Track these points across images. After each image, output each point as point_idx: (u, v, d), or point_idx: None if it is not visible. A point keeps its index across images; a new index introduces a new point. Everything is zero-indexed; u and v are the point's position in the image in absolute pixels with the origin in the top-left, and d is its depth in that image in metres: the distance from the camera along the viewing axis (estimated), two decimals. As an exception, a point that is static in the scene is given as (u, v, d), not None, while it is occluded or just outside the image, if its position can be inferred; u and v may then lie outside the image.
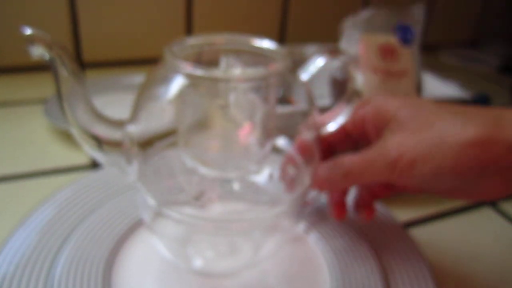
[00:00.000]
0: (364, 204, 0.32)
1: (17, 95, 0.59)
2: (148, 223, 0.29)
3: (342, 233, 0.34)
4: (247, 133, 0.28)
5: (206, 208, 0.30)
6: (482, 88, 0.76)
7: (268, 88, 0.26)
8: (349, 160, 0.28)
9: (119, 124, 0.26)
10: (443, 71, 0.68)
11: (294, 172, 0.31)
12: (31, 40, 0.22)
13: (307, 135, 0.29)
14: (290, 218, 0.30)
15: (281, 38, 0.83)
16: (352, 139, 0.32)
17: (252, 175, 0.32)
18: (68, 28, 0.67)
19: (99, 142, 0.25)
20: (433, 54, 0.94)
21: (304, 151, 0.30)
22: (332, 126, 0.31)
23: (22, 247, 0.30)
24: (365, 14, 0.46)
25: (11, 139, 0.48)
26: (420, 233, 0.37)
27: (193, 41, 0.27)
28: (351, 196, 0.33)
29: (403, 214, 0.39)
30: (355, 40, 0.45)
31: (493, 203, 0.43)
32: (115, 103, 0.57)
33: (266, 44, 0.27)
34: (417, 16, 0.48)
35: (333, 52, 0.28)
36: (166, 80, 0.25)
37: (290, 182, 0.31)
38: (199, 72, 0.23)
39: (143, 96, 0.26)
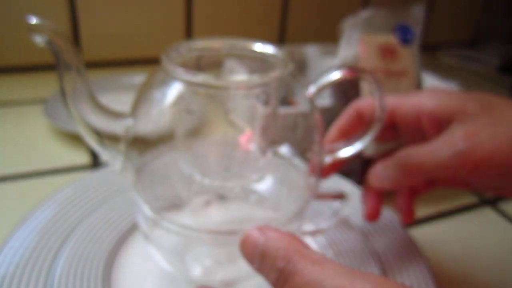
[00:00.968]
0: (405, 204, 0.31)
1: (17, 95, 0.59)
2: (145, 232, 0.28)
3: (343, 234, 0.34)
4: (248, 140, 0.28)
5: (205, 217, 0.30)
6: (482, 88, 0.76)
7: (269, 94, 0.26)
8: (416, 153, 0.26)
9: (120, 116, 0.25)
10: (443, 71, 0.68)
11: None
12: (35, 29, 0.22)
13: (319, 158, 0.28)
14: (292, 226, 0.29)
15: (281, 38, 0.83)
16: (394, 134, 0.30)
17: (254, 183, 0.31)
18: (68, 28, 0.67)
19: (100, 136, 0.25)
20: (433, 54, 0.94)
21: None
22: (348, 151, 0.29)
23: (22, 247, 0.30)
24: (365, 14, 0.46)
25: (11, 139, 0.48)
26: (420, 233, 0.37)
27: (191, 45, 0.26)
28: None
29: (403, 214, 0.39)
30: (355, 40, 0.45)
31: (493, 203, 0.43)
32: (115, 103, 0.57)
33: (266, 48, 0.27)
34: (417, 16, 0.48)
35: (353, 71, 0.26)
36: (163, 84, 0.25)
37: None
38: (197, 78, 0.23)
39: (141, 99, 0.26)
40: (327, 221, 0.32)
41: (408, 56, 0.46)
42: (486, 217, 0.41)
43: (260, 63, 0.26)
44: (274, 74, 0.24)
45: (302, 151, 0.28)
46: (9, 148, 0.46)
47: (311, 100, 0.27)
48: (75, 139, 0.48)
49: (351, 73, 0.26)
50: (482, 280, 0.33)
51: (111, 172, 0.39)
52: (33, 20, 0.22)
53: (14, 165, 0.43)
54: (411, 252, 0.32)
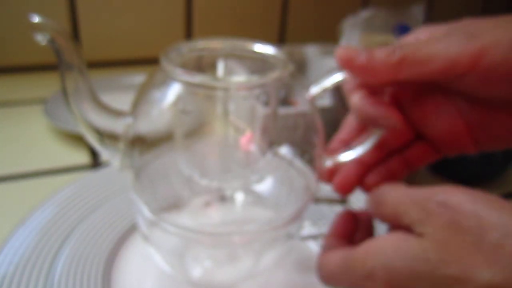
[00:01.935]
0: (393, 176, 0.27)
1: (17, 95, 0.59)
2: (144, 233, 0.28)
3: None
4: (248, 141, 0.27)
5: (205, 218, 0.30)
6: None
7: (269, 95, 0.26)
8: (425, 43, 0.23)
9: (121, 114, 0.25)
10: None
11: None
12: (37, 28, 0.22)
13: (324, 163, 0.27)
14: (292, 228, 0.29)
15: (281, 38, 0.83)
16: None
17: (253, 184, 0.31)
18: (68, 28, 0.67)
19: (101, 135, 0.25)
20: (433, 54, 0.94)
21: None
22: (349, 156, 0.27)
23: (22, 247, 0.30)
24: (365, 14, 0.46)
25: (11, 139, 0.48)
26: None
27: (191, 46, 0.26)
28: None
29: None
30: (355, 40, 0.45)
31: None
32: (115, 103, 0.57)
33: (266, 49, 0.26)
34: (417, 16, 0.48)
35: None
36: (163, 85, 0.25)
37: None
38: (195, 79, 0.22)
39: (141, 99, 0.26)
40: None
41: (408, 56, 0.47)
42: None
43: (260, 64, 0.26)
44: (274, 74, 0.24)
45: (302, 151, 0.28)
46: (9, 148, 0.46)
47: (312, 102, 0.26)
48: (75, 139, 0.48)
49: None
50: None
51: (111, 172, 0.39)
52: (36, 19, 0.22)
53: (14, 165, 0.43)
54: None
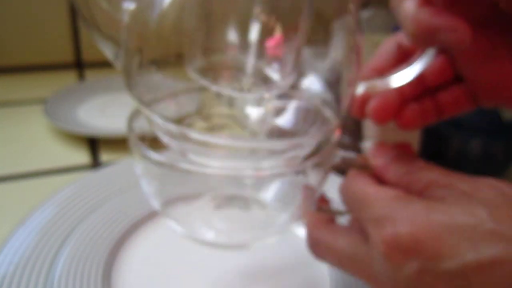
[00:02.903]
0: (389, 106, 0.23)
1: (17, 95, 0.59)
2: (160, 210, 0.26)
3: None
4: (277, 44, 0.22)
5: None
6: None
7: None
8: None
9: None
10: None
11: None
12: None
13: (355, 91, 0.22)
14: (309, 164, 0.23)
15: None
16: None
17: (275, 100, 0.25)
18: (68, 28, 0.67)
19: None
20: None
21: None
22: (394, 80, 0.22)
23: (22, 247, 0.30)
24: (365, 14, 0.46)
25: (11, 139, 0.48)
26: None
27: None
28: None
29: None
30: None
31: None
32: (115, 103, 0.57)
33: None
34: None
35: None
36: None
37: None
38: None
39: None
40: None
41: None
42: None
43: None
44: None
45: (332, 83, 0.23)
46: (9, 148, 0.46)
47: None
48: (75, 139, 0.48)
49: None
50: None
51: (111, 172, 0.39)
52: None
53: (14, 165, 0.43)
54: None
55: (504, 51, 0.22)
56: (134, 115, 0.25)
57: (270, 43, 0.22)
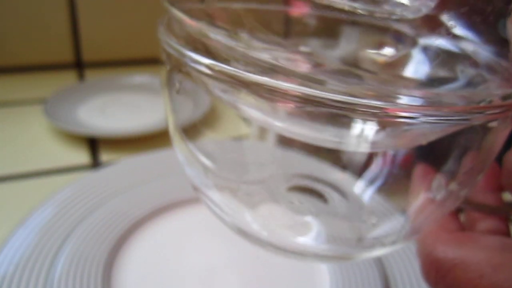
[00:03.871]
0: None
1: (17, 95, 0.59)
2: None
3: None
4: None
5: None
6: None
7: None
8: None
9: None
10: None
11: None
12: None
13: None
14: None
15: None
16: None
17: None
18: (68, 28, 0.67)
19: None
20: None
21: None
22: None
23: (22, 247, 0.30)
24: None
25: (11, 139, 0.48)
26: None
27: None
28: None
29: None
30: (355, 40, 0.45)
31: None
32: (115, 103, 0.57)
33: None
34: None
35: None
36: None
37: None
38: None
39: None
40: None
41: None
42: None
43: None
44: None
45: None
46: (9, 148, 0.46)
47: None
48: (75, 139, 0.48)
49: None
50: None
51: (111, 172, 0.39)
52: None
53: (14, 165, 0.43)
54: (410, 251, 0.32)
55: None
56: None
57: None
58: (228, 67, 0.14)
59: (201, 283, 0.29)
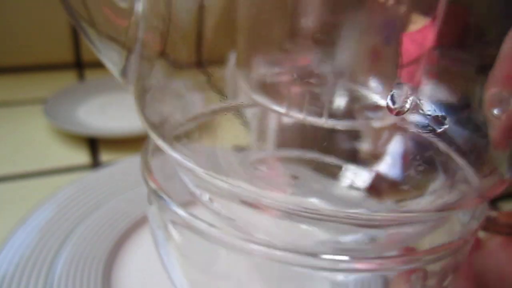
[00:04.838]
0: None
1: (17, 95, 0.59)
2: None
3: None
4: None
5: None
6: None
7: None
8: None
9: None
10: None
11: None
12: None
13: None
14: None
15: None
16: None
17: None
18: (68, 28, 0.67)
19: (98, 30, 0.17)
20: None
21: None
22: None
23: (22, 247, 0.30)
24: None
25: (11, 139, 0.48)
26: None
27: None
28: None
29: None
30: (354, 40, 0.45)
31: (492, 203, 0.43)
32: (115, 103, 0.57)
33: None
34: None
35: None
36: None
37: None
38: None
39: None
40: None
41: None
42: (486, 217, 0.41)
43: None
44: None
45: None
46: (9, 148, 0.46)
47: None
48: (75, 139, 0.48)
49: None
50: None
51: (111, 172, 0.39)
52: None
53: (14, 165, 0.43)
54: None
55: None
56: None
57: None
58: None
59: (199, 282, 0.29)
